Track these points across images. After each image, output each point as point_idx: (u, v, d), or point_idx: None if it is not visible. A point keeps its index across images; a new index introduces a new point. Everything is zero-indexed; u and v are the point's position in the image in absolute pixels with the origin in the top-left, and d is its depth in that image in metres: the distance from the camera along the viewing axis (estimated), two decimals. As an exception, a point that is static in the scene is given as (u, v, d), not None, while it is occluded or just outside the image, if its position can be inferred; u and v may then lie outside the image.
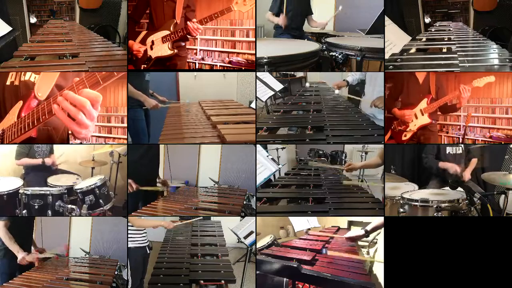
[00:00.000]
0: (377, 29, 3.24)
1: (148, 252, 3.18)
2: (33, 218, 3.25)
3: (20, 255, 2.96)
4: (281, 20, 4.09)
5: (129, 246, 2.99)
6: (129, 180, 3.19)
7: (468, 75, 3.39)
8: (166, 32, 3.08)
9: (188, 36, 3.15)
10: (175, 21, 3.08)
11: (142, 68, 3.15)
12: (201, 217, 3.60)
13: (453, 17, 4.05)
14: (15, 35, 3.51)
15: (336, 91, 3.65)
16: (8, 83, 2.32)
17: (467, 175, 3.45)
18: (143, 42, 3.11)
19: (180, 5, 3.08)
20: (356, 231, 2.79)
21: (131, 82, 3.59)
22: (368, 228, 2.65)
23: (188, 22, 3.02)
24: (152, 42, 3.09)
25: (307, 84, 4.25)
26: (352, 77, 3.97)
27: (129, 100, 3.67)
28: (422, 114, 3.12)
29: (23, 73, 2.32)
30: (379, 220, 2.61)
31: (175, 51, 3.11)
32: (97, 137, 4.42)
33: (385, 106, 3.20)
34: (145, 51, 3.10)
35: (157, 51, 3.09)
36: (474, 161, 3.58)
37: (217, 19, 3.07)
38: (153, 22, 3.17)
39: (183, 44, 3.22)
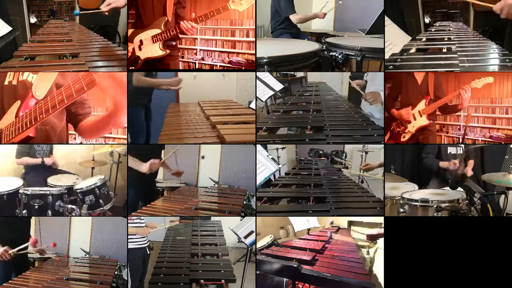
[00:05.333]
0: (377, 29, 3.25)
1: (148, 252, 3.18)
2: (29, 218, 3.25)
3: None
4: (321, 15, 4.16)
5: (129, 246, 2.98)
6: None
7: (467, 75, 3.39)
8: (157, 31, 2.85)
9: (180, 35, 2.96)
10: (167, 18, 2.86)
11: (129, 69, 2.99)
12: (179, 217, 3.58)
13: (453, 17, 4.04)
14: (15, 35, 3.50)
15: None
16: (6, 83, 2.32)
17: (469, 171, 3.46)
18: (130, 41, 2.91)
19: (171, 1, 2.87)
20: (375, 229, 2.81)
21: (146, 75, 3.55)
22: None
23: (181, 22, 2.82)
24: (141, 41, 2.87)
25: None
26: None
27: (131, 98, 3.63)
28: (421, 116, 3.12)
29: (21, 73, 2.32)
30: None
31: (168, 51, 2.89)
32: (97, 137, 4.42)
33: (385, 107, 3.19)
34: (133, 51, 2.90)
35: (146, 52, 2.87)
36: (471, 162, 3.60)
37: (216, 18, 2.97)
38: (141, 19, 2.93)
39: (174, 43, 3.00)
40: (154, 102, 4.04)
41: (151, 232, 3.25)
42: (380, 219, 2.75)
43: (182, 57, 4.77)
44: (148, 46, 2.88)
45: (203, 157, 4.02)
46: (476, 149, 3.67)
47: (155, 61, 2.94)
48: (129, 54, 2.90)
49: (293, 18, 4.13)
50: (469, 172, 3.49)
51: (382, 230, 2.71)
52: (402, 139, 3.14)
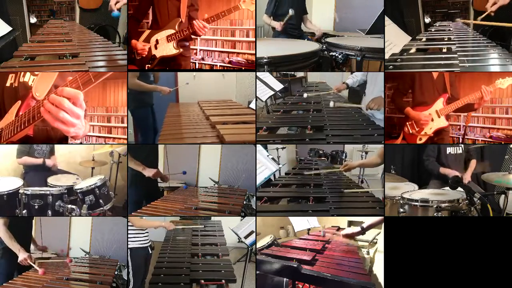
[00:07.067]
0: (377, 29, 3.24)
1: (150, 252, 3.19)
2: (32, 218, 3.26)
3: (22, 255, 2.95)
4: (278, 26, 4.09)
5: (131, 246, 2.99)
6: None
7: (481, 74, 3.30)
8: (171, 31, 3.04)
9: (192, 36, 3.12)
10: (180, 19, 3.04)
11: (146, 68, 3.13)
12: (203, 226, 3.64)
13: (453, 17, 4.04)
14: (15, 35, 3.50)
15: (331, 104, 3.60)
16: (7, 84, 2.33)
17: (467, 178, 3.43)
18: (146, 41, 3.08)
19: (185, 4, 3.04)
20: (352, 228, 2.79)
21: (142, 79, 3.81)
22: (364, 225, 2.66)
23: (194, 21, 2.99)
24: (157, 41, 3.05)
25: (305, 95, 4.14)
26: (353, 79, 3.94)
27: (136, 99, 3.83)
28: (439, 116, 2.96)
29: (22, 74, 2.32)
30: (375, 217, 2.62)
31: (181, 50, 3.07)
32: (97, 137, 4.42)
33: (394, 102, 3.12)
34: (149, 50, 3.06)
35: (161, 50, 3.04)
36: (473, 162, 3.56)
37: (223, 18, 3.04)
38: (157, 21, 3.12)
39: (187, 44, 3.19)
40: (155, 102, 4.10)
41: (173, 228, 3.40)
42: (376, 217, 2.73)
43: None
44: (163, 45, 3.05)
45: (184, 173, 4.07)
46: (476, 149, 3.66)
47: (169, 60, 3.10)
48: (146, 53, 3.04)
49: (264, 17, 4.18)
50: (468, 177, 3.41)
51: (358, 229, 2.69)
52: (419, 141, 2.98)
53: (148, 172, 3.36)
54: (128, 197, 3.27)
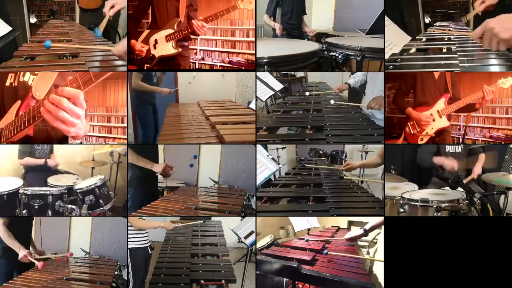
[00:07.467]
0: (377, 29, 3.24)
1: (150, 252, 3.19)
2: (32, 218, 3.26)
3: (22, 252, 2.95)
4: (277, 29, 4.17)
5: (130, 246, 2.99)
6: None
7: (482, 75, 3.29)
8: (170, 31, 3.05)
9: (192, 36, 3.14)
10: (179, 19, 3.06)
11: (145, 68, 3.14)
12: (202, 221, 3.64)
13: (453, 17, 4.04)
14: (15, 35, 3.50)
15: (332, 101, 3.60)
16: (7, 84, 2.33)
17: (477, 171, 3.29)
18: (145, 41, 3.09)
19: (184, 4, 3.06)
20: (355, 231, 2.79)
21: (144, 80, 4.00)
22: (367, 227, 2.66)
23: (193, 20, 2.99)
24: (156, 41, 3.06)
25: (307, 93, 4.16)
26: (354, 79, 3.94)
27: (139, 98, 4.00)
28: (440, 116, 2.95)
29: (21, 74, 2.32)
30: (378, 219, 2.62)
31: (179, 50, 3.08)
32: (97, 137, 4.43)
33: (395, 102, 3.12)
34: (148, 50, 3.07)
35: (160, 50, 3.05)
36: (482, 156, 3.47)
37: (221, 17, 3.06)
38: (156, 21, 3.14)
39: (186, 44, 3.20)
40: (157, 101, 4.12)
41: (172, 227, 3.39)
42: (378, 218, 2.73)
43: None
44: (162, 44, 3.06)
45: (195, 157, 4.12)
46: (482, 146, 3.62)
47: (167, 60, 3.11)
48: (144, 54, 3.05)
49: (264, 17, 4.25)
50: (477, 171, 3.27)
51: (361, 231, 2.69)
52: (420, 142, 2.97)
53: (157, 168, 3.34)
54: (128, 197, 3.28)
